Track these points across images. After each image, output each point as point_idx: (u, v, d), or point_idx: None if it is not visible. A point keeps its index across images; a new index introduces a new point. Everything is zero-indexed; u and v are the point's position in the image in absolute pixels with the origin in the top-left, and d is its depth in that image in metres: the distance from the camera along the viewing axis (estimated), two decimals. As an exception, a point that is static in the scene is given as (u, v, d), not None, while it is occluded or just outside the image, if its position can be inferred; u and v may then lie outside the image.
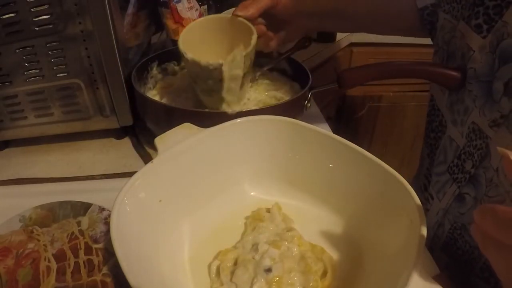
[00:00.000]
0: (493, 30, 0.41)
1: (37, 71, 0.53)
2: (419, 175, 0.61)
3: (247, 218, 0.45)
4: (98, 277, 0.40)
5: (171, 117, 0.53)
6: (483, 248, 0.24)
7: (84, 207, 0.47)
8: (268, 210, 0.45)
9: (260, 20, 0.57)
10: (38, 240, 0.43)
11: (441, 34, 0.52)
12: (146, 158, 0.58)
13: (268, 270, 0.37)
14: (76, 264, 0.41)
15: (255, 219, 0.44)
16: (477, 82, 0.43)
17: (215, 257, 0.41)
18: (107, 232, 0.44)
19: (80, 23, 0.50)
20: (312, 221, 0.45)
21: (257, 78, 0.67)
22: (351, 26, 0.64)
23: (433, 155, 0.54)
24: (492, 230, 0.23)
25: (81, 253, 0.42)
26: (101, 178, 0.55)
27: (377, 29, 0.65)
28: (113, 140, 0.63)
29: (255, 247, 0.40)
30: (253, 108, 0.55)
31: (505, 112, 0.40)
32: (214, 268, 0.39)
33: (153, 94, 0.64)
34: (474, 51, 0.44)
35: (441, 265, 0.49)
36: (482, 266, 0.45)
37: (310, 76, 0.61)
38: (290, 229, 0.42)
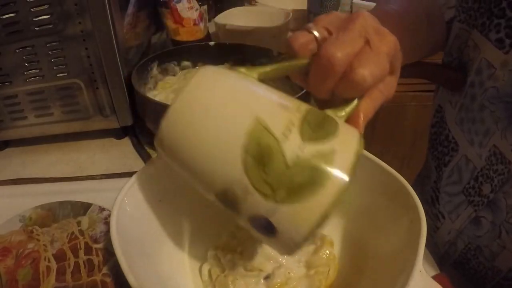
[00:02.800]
0: None
1: (37, 71, 0.53)
2: (424, 186, 0.58)
3: None
4: (98, 277, 0.40)
5: (171, 117, 0.53)
6: None
7: (84, 207, 0.47)
8: None
9: None
10: (38, 240, 0.43)
11: (457, 44, 0.49)
12: (146, 158, 0.58)
13: (267, 277, 0.37)
14: (76, 264, 0.41)
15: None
16: (500, 102, 0.40)
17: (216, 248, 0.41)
18: (107, 232, 0.44)
19: (80, 23, 0.49)
20: (312, 221, 0.45)
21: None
22: None
23: (440, 169, 0.52)
24: None
25: (81, 253, 0.42)
26: (101, 178, 0.55)
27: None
28: (113, 140, 0.63)
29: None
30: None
31: None
32: (205, 271, 0.39)
33: (154, 94, 0.63)
34: (495, 69, 0.40)
35: (451, 280, 0.47)
36: (495, 285, 0.44)
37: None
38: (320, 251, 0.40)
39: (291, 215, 0.24)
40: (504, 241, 0.42)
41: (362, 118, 0.30)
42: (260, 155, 0.24)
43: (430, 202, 0.55)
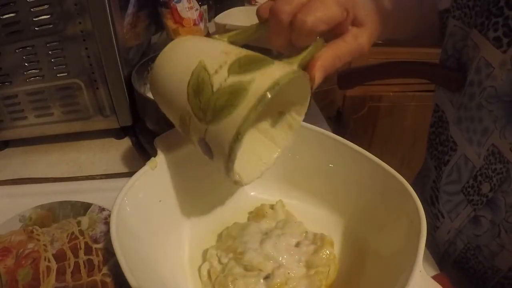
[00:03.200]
0: None
1: (37, 71, 0.53)
2: (424, 185, 0.58)
3: (250, 213, 0.46)
4: (98, 277, 0.40)
5: (171, 117, 0.53)
6: None
7: (84, 207, 0.47)
8: (272, 207, 0.45)
9: None
10: (38, 240, 0.43)
11: (451, 42, 0.48)
12: (146, 158, 0.57)
13: (266, 277, 0.37)
14: (76, 264, 0.41)
15: (258, 215, 0.44)
16: (498, 101, 0.40)
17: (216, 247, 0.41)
18: (107, 232, 0.44)
19: (80, 23, 0.49)
20: (312, 221, 0.45)
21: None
22: None
23: (439, 169, 0.52)
24: None
25: (81, 253, 0.42)
26: (101, 178, 0.55)
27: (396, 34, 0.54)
28: (113, 140, 0.63)
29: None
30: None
31: None
32: (205, 271, 0.39)
33: (153, 94, 0.63)
34: (494, 68, 0.40)
35: (451, 280, 0.47)
36: (495, 284, 0.44)
37: (310, 76, 0.60)
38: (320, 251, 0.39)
39: (216, 133, 0.30)
40: (503, 240, 0.42)
41: (319, 62, 0.33)
42: (197, 86, 0.31)
43: (429, 202, 0.55)
